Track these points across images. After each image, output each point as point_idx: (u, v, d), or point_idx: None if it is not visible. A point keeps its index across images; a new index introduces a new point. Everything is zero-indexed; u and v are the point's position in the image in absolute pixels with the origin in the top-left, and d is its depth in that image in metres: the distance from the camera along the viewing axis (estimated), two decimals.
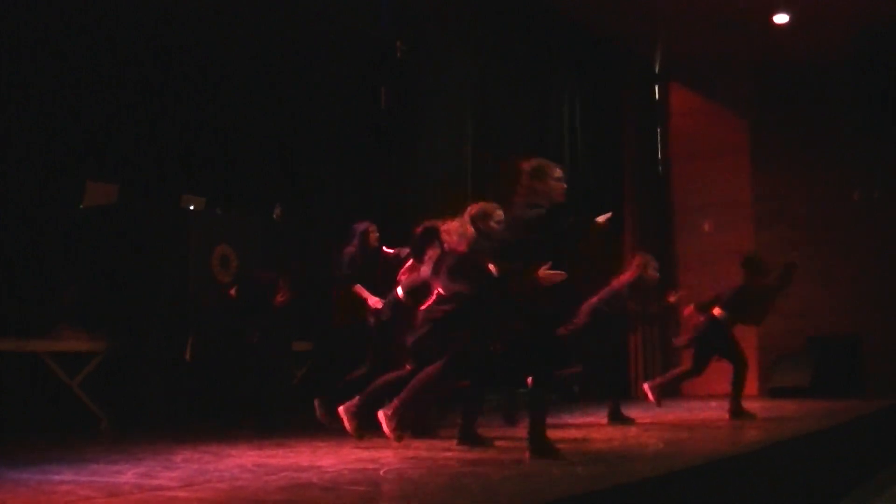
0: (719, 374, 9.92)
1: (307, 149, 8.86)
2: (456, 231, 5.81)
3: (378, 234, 7.15)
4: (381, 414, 5.51)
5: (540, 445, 4.97)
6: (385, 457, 5.10)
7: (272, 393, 7.17)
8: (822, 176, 12.34)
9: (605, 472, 4.52)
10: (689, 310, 8.28)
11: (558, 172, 5.20)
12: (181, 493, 3.90)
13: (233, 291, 7.23)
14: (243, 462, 4.90)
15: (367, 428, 5.90)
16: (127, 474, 4.44)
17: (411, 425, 6.20)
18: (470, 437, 5.71)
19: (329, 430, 6.59)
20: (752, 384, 10.89)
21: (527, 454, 4.98)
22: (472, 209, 5.91)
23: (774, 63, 12.31)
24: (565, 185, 5.21)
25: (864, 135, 11.85)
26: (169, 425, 6.74)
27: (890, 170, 12.09)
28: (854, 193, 12.11)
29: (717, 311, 7.91)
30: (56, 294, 6.83)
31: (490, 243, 5.80)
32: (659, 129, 13.07)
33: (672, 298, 8.07)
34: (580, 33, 11.47)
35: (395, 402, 5.44)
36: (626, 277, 7.64)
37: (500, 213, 5.88)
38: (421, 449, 5.50)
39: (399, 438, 5.49)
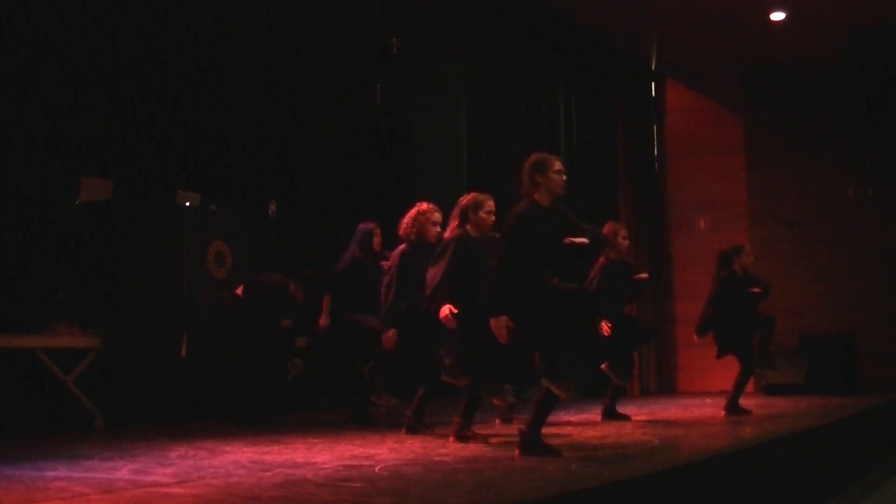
0: (713, 371, 9.94)
1: (302, 145, 8.84)
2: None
3: (381, 239, 7.09)
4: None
5: (533, 444, 4.97)
6: (380, 453, 5.10)
7: (270, 390, 7.16)
8: (816, 174, 12.35)
9: (600, 470, 4.53)
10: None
11: (558, 165, 5.22)
12: (175, 490, 3.89)
13: (240, 291, 7.22)
14: (238, 458, 4.89)
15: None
16: (121, 470, 4.44)
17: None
18: (466, 435, 5.71)
19: (324, 426, 6.59)
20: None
21: (516, 452, 4.98)
22: (464, 199, 5.93)
23: (769, 61, 12.32)
24: (565, 178, 5.23)
25: (858, 133, 11.85)
26: (164, 422, 6.73)
27: (883, 168, 12.11)
28: (849, 191, 12.13)
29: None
30: (50, 290, 6.81)
31: (481, 233, 5.82)
32: (654, 127, 13.06)
33: (644, 275, 8.04)
34: (575, 31, 11.46)
35: None
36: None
37: (490, 204, 5.90)
38: (416, 446, 5.50)
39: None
